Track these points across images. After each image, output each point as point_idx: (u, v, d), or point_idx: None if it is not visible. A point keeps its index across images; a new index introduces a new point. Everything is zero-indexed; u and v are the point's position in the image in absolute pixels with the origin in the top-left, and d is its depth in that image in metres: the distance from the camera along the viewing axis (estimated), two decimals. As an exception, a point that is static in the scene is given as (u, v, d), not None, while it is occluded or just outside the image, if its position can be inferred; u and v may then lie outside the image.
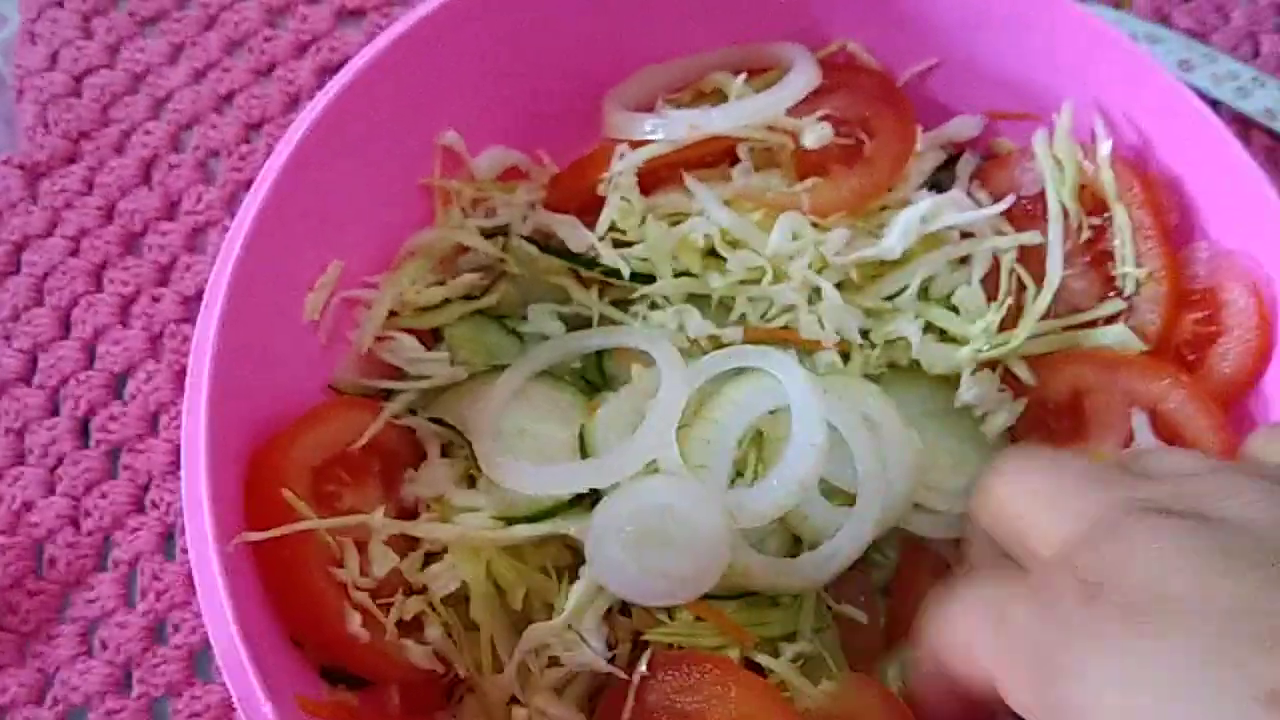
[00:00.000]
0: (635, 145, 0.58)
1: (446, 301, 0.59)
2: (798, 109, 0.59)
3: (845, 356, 0.57)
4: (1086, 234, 0.59)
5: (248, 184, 0.68)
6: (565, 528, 0.52)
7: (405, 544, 0.54)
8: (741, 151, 0.59)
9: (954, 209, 0.59)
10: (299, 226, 0.53)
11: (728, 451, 0.53)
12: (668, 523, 0.51)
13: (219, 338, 0.48)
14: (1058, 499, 0.41)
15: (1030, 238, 0.59)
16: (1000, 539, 0.45)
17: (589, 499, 0.53)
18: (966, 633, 0.42)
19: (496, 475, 0.53)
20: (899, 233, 0.57)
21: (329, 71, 0.71)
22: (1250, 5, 0.77)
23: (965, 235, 0.60)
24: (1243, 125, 0.74)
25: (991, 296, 0.58)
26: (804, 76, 0.58)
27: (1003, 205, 0.59)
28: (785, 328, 0.56)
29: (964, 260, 0.60)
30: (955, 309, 0.59)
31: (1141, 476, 0.41)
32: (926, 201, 0.58)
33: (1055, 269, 0.57)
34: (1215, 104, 0.74)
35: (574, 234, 0.59)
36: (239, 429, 0.50)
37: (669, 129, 0.57)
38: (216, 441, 0.47)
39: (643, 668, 0.50)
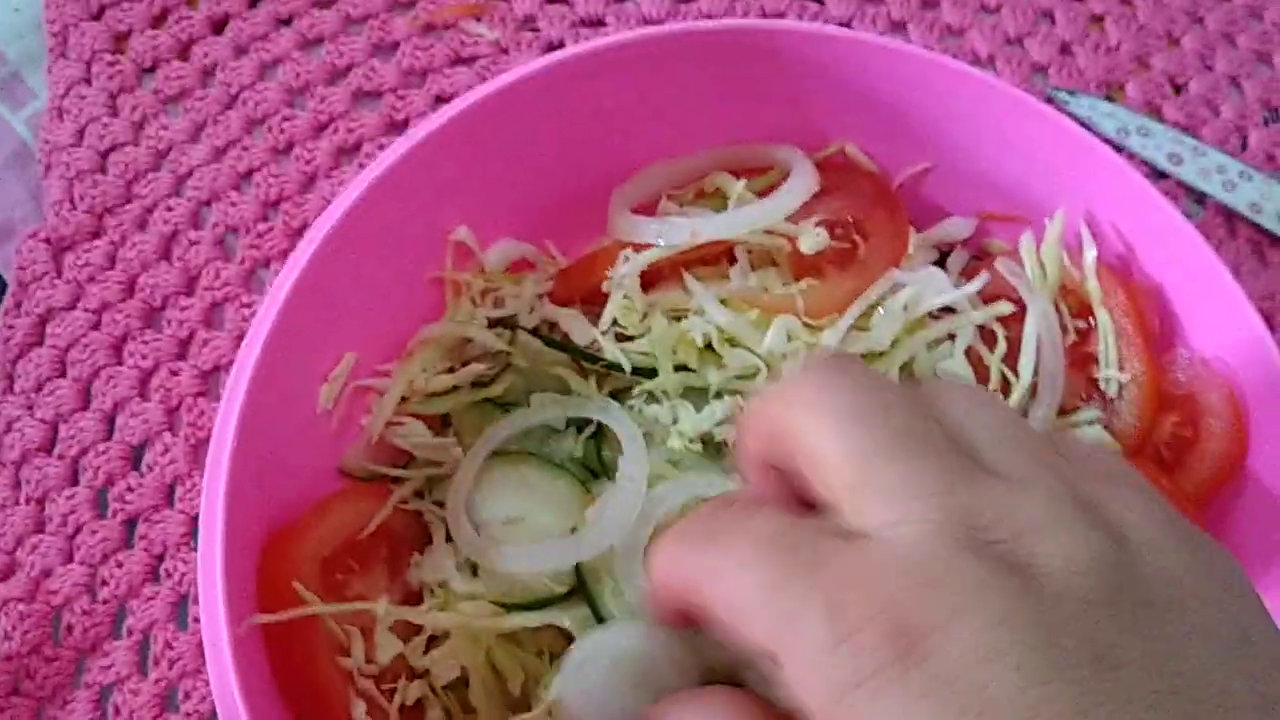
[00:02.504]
0: (639, 248, 0.60)
1: (455, 389, 0.61)
2: (796, 212, 0.61)
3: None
4: (1072, 337, 0.61)
5: (265, 261, 0.71)
6: (559, 618, 0.54)
7: (409, 628, 0.56)
8: (739, 253, 0.62)
9: (934, 291, 0.61)
10: (317, 323, 0.55)
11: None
12: (642, 669, 0.52)
13: (238, 436, 0.50)
14: (874, 458, 0.35)
15: (1002, 308, 0.61)
16: (778, 462, 0.38)
17: (581, 592, 0.55)
18: (739, 591, 0.35)
19: (475, 555, 0.56)
20: (885, 323, 0.59)
21: (345, 151, 0.74)
22: (1239, 99, 0.80)
23: (945, 312, 0.62)
24: (1228, 219, 0.76)
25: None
26: (802, 183, 0.60)
27: (978, 283, 0.61)
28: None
29: (949, 338, 0.62)
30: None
31: (978, 457, 0.36)
32: (907, 289, 0.60)
33: (1027, 368, 0.60)
34: (1203, 197, 0.76)
35: (578, 328, 0.61)
36: (253, 516, 0.53)
37: (670, 235, 0.60)
38: (232, 532, 0.50)
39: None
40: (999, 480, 0.35)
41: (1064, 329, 0.61)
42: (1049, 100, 0.78)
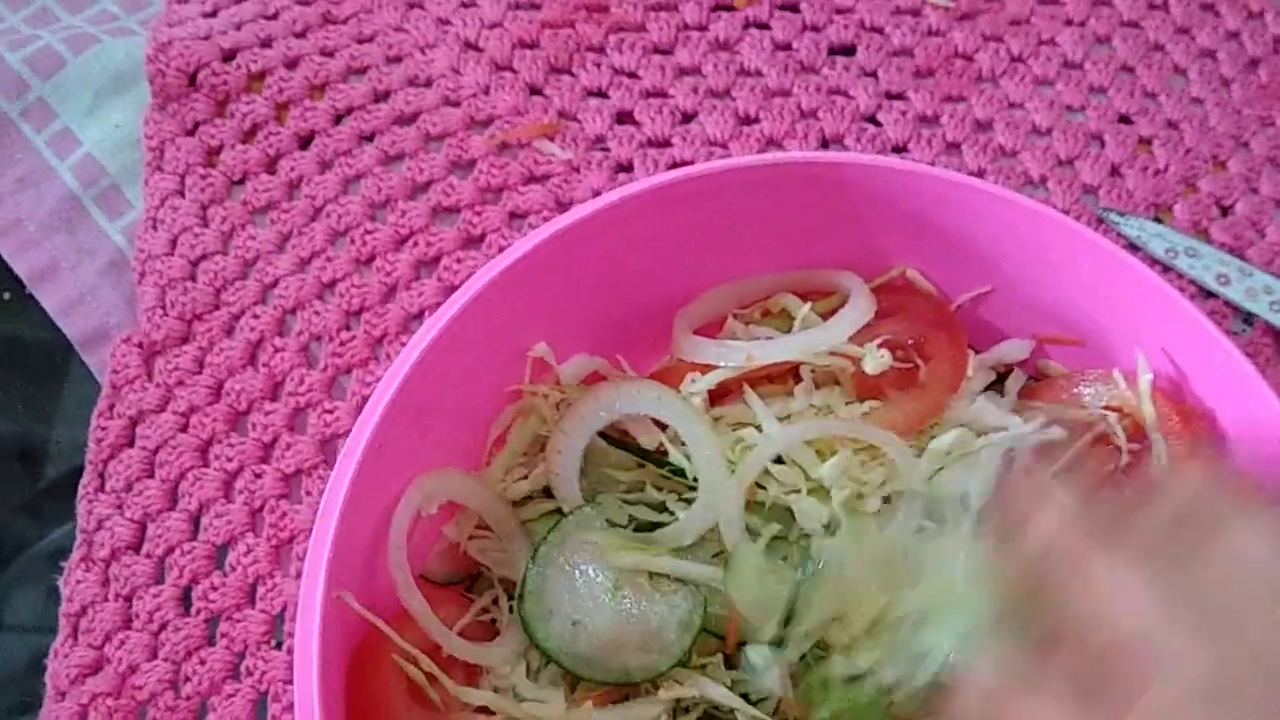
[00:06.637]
0: (703, 368, 0.63)
1: (529, 499, 0.64)
2: (859, 334, 0.64)
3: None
4: (1126, 458, 0.63)
5: (347, 369, 0.74)
6: None
7: (487, 734, 0.58)
8: (803, 372, 0.64)
9: (986, 426, 0.64)
10: (404, 439, 0.58)
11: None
12: None
13: (334, 549, 0.53)
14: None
15: (1053, 433, 0.64)
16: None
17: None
18: None
19: None
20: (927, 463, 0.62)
21: (425, 264, 0.77)
22: (1285, 221, 0.82)
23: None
24: (1276, 338, 0.78)
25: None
26: (857, 312, 0.64)
27: (1030, 426, 0.63)
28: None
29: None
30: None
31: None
32: (953, 433, 0.63)
33: None
34: (1249, 318, 0.78)
35: (646, 433, 0.64)
36: (344, 628, 0.55)
37: (729, 357, 0.63)
38: (327, 644, 0.52)
39: None
40: None
41: (1118, 451, 0.63)
42: (1099, 221, 0.81)
